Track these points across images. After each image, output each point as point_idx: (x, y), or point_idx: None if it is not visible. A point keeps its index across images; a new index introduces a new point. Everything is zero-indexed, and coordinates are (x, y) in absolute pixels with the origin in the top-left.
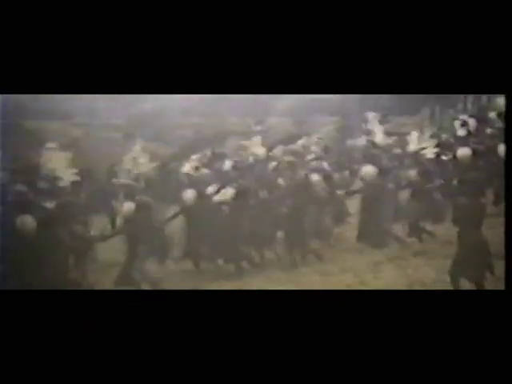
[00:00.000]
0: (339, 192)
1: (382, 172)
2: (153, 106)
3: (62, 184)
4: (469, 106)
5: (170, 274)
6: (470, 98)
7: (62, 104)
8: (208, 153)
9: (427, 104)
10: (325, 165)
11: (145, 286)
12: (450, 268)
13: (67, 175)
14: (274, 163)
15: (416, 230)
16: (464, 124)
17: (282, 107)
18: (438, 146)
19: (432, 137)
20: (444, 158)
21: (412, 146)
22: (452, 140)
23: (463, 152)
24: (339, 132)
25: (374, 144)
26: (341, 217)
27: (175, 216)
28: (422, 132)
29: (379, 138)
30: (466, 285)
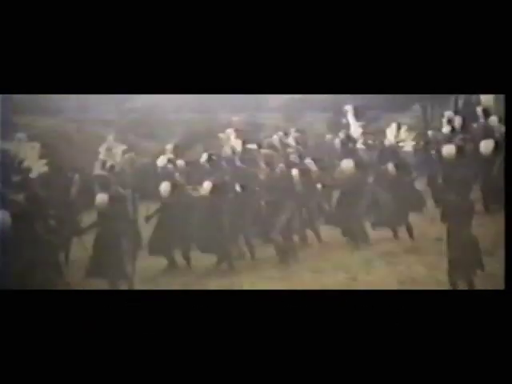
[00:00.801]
0: (319, 186)
1: (359, 165)
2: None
3: (32, 176)
4: (460, 104)
5: (154, 270)
6: (462, 96)
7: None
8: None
9: (419, 102)
10: (306, 160)
11: (124, 283)
12: (447, 269)
13: (37, 166)
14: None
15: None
16: (450, 121)
17: (273, 103)
18: (415, 138)
19: (411, 129)
20: (433, 152)
21: (389, 139)
22: (439, 137)
23: (448, 149)
24: (329, 128)
25: (349, 137)
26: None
27: (157, 212)
28: (401, 125)
29: (354, 130)
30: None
